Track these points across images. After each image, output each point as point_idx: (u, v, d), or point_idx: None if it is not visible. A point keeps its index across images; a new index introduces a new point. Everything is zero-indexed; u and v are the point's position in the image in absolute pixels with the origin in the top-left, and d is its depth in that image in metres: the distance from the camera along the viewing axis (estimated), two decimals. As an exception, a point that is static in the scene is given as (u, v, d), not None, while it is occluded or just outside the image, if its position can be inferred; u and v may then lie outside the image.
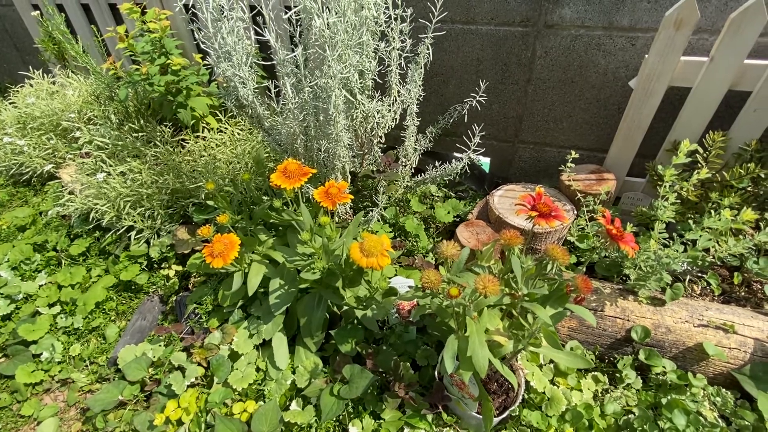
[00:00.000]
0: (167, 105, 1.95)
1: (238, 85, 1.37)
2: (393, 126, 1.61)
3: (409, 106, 1.58)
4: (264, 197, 1.69)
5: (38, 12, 2.49)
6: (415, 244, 1.74)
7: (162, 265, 1.76)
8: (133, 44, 1.91)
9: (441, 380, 1.22)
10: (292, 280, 1.37)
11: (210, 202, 1.50)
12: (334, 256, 1.27)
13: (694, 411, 1.12)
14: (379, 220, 1.79)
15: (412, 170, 1.80)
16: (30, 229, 2.04)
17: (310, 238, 1.23)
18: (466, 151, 1.57)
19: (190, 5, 1.23)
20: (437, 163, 1.71)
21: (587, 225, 1.54)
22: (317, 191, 1.20)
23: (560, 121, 1.78)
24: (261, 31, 1.25)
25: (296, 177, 1.19)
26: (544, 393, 1.24)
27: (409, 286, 1.53)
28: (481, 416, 1.10)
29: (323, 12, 1.20)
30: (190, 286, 1.70)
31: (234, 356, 1.38)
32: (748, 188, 1.41)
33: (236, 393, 1.32)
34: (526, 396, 1.26)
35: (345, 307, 1.39)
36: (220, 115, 2.18)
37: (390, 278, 1.58)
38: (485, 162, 2.09)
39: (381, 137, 1.66)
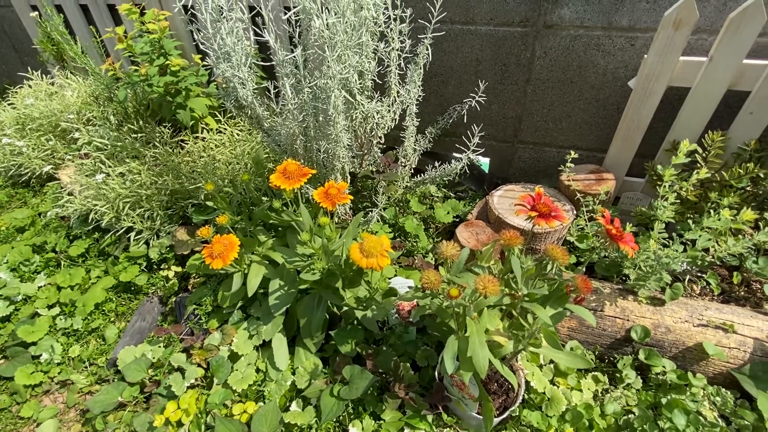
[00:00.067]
0: (166, 106, 1.95)
1: (238, 86, 1.37)
2: (392, 126, 1.61)
3: (408, 106, 1.58)
4: (263, 198, 1.69)
5: (37, 13, 2.49)
6: (414, 244, 1.74)
7: (161, 266, 1.76)
8: (132, 45, 1.91)
9: (441, 381, 1.22)
10: (291, 280, 1.37)
11: (209, 203, 1.50)
12: (334, 256, 1.27)
13: (694, 411, 1.12)
14: (378, 221, 1.79)
15: (412, 170, 1.80)
16: (29, 230, 2.03)
17: (310, 238, 1.23)
18: (466, 152, 1.57)
19: (189, 6, 1.22)
20: (437, 164, 1.71)
21: (587, 225, 1.54)
22: (317, 192, 1.20)
23: (559, 121, 1.78)
24: (260, 32, 1.25)
25: (296, 178, 1.19)
26: (544, 393, 1.24)
27: (409, 287, 1.53)
28: (481, 417, 1.10)
29: (322, 13, 1.20)
30: (189, 287, 1.69)
31: (234, 357, 1.37)
32: (748, 188, 1.41)
33: (236, 394, 1.31)
34: (526, 396, 1.26)
35: (345, 308, 1.39)
36: (219, 115, 2.18)
37: (390, 279, 1.58)
38: (485, 162, 2.09)
39: (380, 138, 1.66)
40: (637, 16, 1.44)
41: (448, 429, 1.21)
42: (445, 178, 1.72)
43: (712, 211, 1.37)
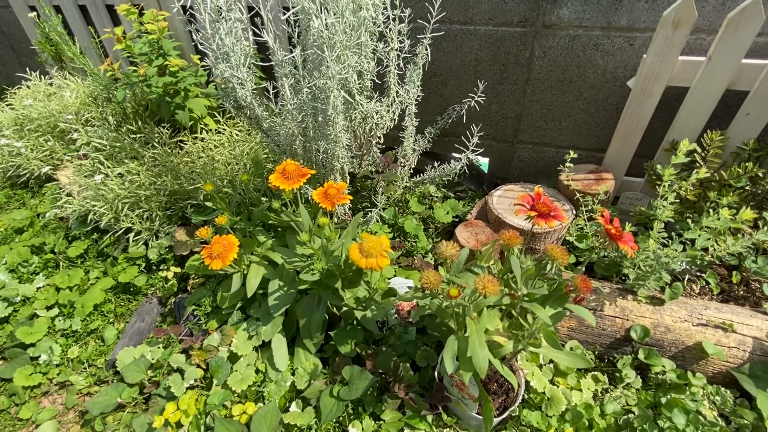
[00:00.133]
0: (165, 106, 1.95)
1: (237, 86, 1.36)
2: (392, 126, 1.61)
3: (407, 106, 1.58)
4: (263, 198, 1.69)
5: (35, 13, 2.48)
6: (414, 244, 1.74)
7: (160, 267, 1.76)
8: (130, 45, 1.90)
9: (441, 381, 1.22)
10: (291, 281, 1.36)
11: (208, 204, 1.50)
12: (333, 257, 1.27)
13: (694, 410, 1.12)
14: (378, 221, 1.79)
15: (411, 171, 1.80)
16: (27, 231, 2.03)
17: (309, 239, 1.22)
18: (465, 152, 1.57)
19: (188, 6, 1.22)
20: (436, 164, 1.71)
21: (586, 225, 1.54)
22: (316, 192, 1.19)
23: (559, 121, 1.78)
24: (259, 32, 1.25)
25: (295, 178, 1.19)
26: (544, 393, 1.24)
27: (409, 287, 1.53)
28: (481, 417, 1.10)
29: (321, 13, 1.20)
30: (188, 288, 1.69)
31: (233, 358, 1.37)
32: (747, 187, 1.42)
33: (235, 395, 1.31)
34: (526, 396, 1.26)
35: (344, 308, 1.39)
36: (218, 116, 2.17)
37: (389, 279, 1.58)
38: (484, 162, 2.09)
39: (380, 138, 1.66)
40: (636, 16, 1.44)
41: (447, 429, 1.21)
42: (444, 178, 1.72)
43: (711, 210, 1.37)
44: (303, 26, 1.32)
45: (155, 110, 2.17)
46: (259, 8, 1.22)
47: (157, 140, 2.05)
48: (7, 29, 2.90)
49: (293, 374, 1.34)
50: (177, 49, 1.99)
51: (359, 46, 1.35)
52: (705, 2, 1.36)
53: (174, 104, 1.93)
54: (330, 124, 1.38)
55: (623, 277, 1.51)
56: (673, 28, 1.29)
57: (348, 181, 1.67)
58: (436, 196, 1.96)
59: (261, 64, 1.49)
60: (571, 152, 1.60)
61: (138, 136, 2.07)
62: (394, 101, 1.56)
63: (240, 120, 2.01)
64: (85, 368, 1.53)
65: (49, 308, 1.67)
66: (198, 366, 1.37)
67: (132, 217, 1.76)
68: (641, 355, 1.28)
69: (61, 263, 1.84)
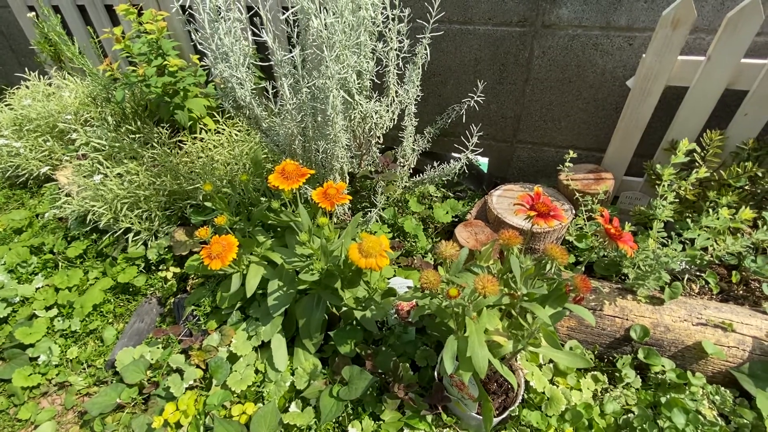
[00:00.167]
0: (164, 106, 1.94)
1: (236, 86, 1.36)
2: (391, 126, 1.61)
3: (407, 106, 1.58)
4: (262, 198, 1.68)
5: (34, 13, 2.48)
6: (413, 244, 1.74)
7: (160, 267, 1.75)
8: (129, 45, 1.90)
9: (440, 381, 1.22)
10: (290, 281, 1.36)
11: (208, 204, 1.50)
12: (333, 257, 1.27)
13: (693, 410, 1.12)
14: (377, 221, 1.79)
15: (411, 170, 1.79)
16: (26, 231, 2.03)
17: (309, 239, 1.22)
18: (465, 151, 1.57)
19: (187, 6, 1.22)
20: (435, 164, 1.71)
21: (586, 224, 1.54)
22: (315, 192, 1.19)
23: (558, 120, 1.78)
24: (258, 32, 1.24)
25: (294, 178, 1.19)
26: (543, 393, 1.24)
27: (408, 287, 1.53)
28: (480, 417, 1.10)
29: (321, 12, 1.20)
30: (188, 288, 1.69)
31: (233, 358, 1.37)
32: (746, 187, 1.42)
33: (235, 395, 1.31)
34: (525, 396, 1.26)
35: (344, 308, 1.39)
36: (217, 116, 2.17)
37: (389, 279, 1.58)
38: (483, 162, 2.09)
39: (379, 138, 1.66)
40: (635, 15, 1.44)
41: (447, 429, 1.21)
42: (444, 178, 1.72)
43: (710, 210, 1.37)
44: (302, 26, 1.32)
45: (154, 110, 2.17)
46: (258, 8, 1.22)
47: (156, 140, 2.04)
48: (6, 29, 2.89)
49: (293, 374, 1.34)
50: (176, 49, 1.99)
51: (358, 45, 1.35)
52: (704, 2, 1.36)
53: (173, 104, 1.93)
54: (329, 123, 1.38)
55: (623, 277, 1.51)
56: (672, 27, 1.29)
57: (347, 181, 1.67)
58: (436, 196, 1.96)
59: (260, 63, 1.49)
60: (571, 152, 1.60)
61: (137, 136, 2.07)
62: (394, 101, 1.56)
63: (239, 120, 2.01)
64: (84, 369, 1.53)
65: (48, 309, 1.66)
66: (197, 366, 1.37)
67: (131, 218, 1.76)
68: (641, 355, 1.28)
69: (60, 263, 1.84)
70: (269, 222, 1.48)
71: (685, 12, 1.25)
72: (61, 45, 2.12)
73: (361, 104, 1.45)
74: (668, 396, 1.18)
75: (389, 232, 1.79)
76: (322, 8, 1.22)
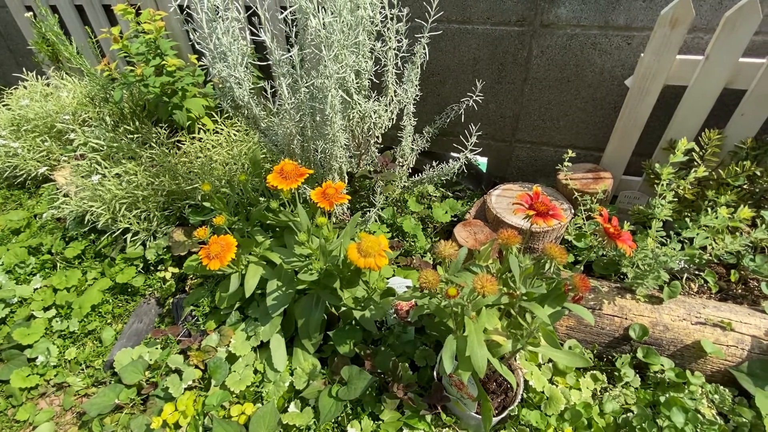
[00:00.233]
0: (162, 106, 1.94)
1: (234, 86, 1.36)
2: (390, 126, 1.60)
3: (405, 106, 1.58)
4: (261, 198, 1.68)
5: (31, 13, 2.47)
6: (412, 244, 1.74)
7: (158, 268, 1.75)
8: (127, 45, 1.90)
9: (440, 381, 1.21)
10: (289, 281, 1.36)
11: (206, 204, 1.50)
12: (332, 257, 1.27)
13: (693, 409, 1.12)
14: (376, 221, 1.79)
15: (410, 170, 1.79)
16: (24, 232, 2.02)
17: (308, 239, 1.22)
18: (464, 151, 1.57)
19: (185, 6, 1.22)
20: (434, 163, 1.71)
21: (585, 224, 1.54)
22: (314, 192, 1.19)
23: (557, 120, 1.78)
24: (257, 32, 1.24)
25: (293, 178, 1.18)
26: (542, 392, 1.24)
27: (407, 287, 1.53)
28: (480, 416, 1.10)
29: (319, 12, 1.20)
30: (186, 288, 1.69)
31: (231, 358, 1.37)
32: (744, 186, 1.42)
33: (234, 395, 1.31)
34: (525, 395, 1.26)
35: (343, 308, 1.39)
36: (216, 116, 2.17)
37: (388, 278, 1.58)
38: (482, 161, 2.09)
39: (378, 137, 1.66)
40: (634, 15, 1.45)
41: (447, 429, 1.21)
42: (442, 178, 1.72)
43: (709, 209, 1.37)
44: (300, 25, 1.32)
45: (152, 110, 2.17)
46: (256, 7, 1.22)
47: (154, 140, 2.04)
48: (4, 29, 2.89)
49: (292, 374, 1.33)
50: (174, 48, 1.99)
51: (357, 45, 1.35)
52: (702, 1, 1.36)
53: (171, 104, 1.93)
54: (328, 123, 1.37)
55: (622, 276, 1.51)
56: (670, 27, 1.29)
57: (346, 181, 1.66)
58: (435, 196, 1.96)
59: (258, 63, 1.49)
60: (570, 151, 1.60)
61: (135, 136, 2.06)
62: (392, 101, 1.56)
63: (238, 120, 2.01)
64: (82, 369, 1.52)
65: (46, 309, 1.66)
66: (196, 367, 1.37)
67: (129, 218, 1.75)
68: (640, 354, 1.28)
69: (58, 264, 1.83)
70: (268, 222, 1.48)
71: (684, 11, 1.25)
72: (58, 45, 2.12)
73: (359, 104, 1.45)
74: (667, 395, 1.18)
75: (388, 232, 1.79)
76: (320, 7, 1.21)
